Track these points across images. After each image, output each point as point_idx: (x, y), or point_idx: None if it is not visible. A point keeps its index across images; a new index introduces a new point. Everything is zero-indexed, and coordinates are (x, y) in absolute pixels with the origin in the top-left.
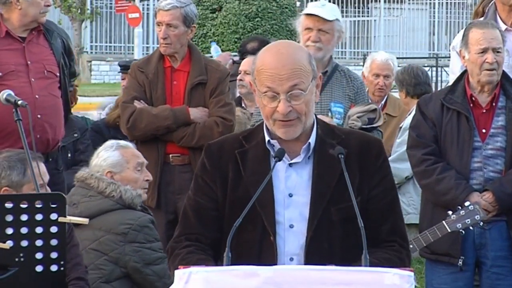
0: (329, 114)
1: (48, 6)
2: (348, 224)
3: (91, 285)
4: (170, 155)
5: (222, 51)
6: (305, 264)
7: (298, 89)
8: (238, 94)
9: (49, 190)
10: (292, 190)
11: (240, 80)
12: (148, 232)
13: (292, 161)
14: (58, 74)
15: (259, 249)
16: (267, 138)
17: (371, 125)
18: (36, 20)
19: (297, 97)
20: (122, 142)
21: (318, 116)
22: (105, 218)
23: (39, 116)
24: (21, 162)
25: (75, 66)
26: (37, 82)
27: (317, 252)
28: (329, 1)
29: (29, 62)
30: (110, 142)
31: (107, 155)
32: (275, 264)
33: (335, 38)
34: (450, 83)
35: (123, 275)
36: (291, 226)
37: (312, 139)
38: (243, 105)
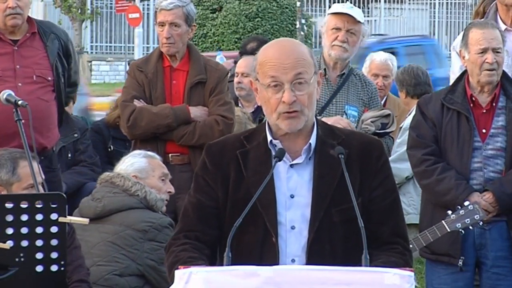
0: (344, 116)
1: (12, 8)
2: (349, 225)
3: (104, 276)
4: (170, 155)
5: (222, 51)
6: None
7: (302, 78)
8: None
9: (41, 190)
10: (294, 191)
11: (239, 82)
12: (168, 233)
13: (293, 162)
14: (50, 78)
15: (261, 250)
16: (269, 138)
17: (384, 130)
18: (5, 23)
19: (301, 86)
20: (150, 152)
21: (337, 118)
22: (128, 214)
23: (23, 121)
24: (11, 161)
25: (74, 74)
26: (24, 86)
27: (319, 253)
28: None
29: (17, 67)
30: (137, 151)
31: (134, 160)
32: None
33: (359, 42)
34: (451, 83)
35: (137, 272)
36: (293, 228)
37: (312, 140)
38: (239, 105)
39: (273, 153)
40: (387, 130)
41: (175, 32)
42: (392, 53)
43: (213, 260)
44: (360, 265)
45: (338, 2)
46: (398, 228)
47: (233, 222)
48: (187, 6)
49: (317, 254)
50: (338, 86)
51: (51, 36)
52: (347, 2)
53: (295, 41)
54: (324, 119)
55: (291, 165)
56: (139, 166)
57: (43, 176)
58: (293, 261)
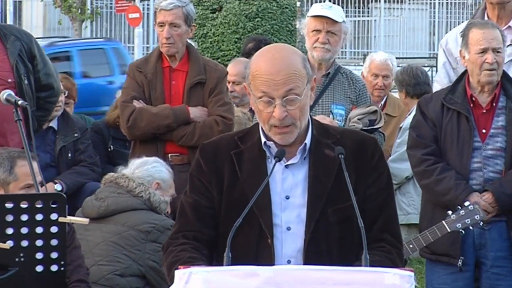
0: (331, 116)
1: None
2: (345, 225)
3: (105, 276)
4: (169, 155)
5: (222, 51)
6: None
7: (294, 93)
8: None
9: (40, 190)
10: (289, 192)
11: (231, 91)
12: None
13: (288, 163)
14: (10, 80)
15: (256, 251)
16: (263, 139)
17: (372, 127)
18: None
19: (293, 102)
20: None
21: (320, 117)
22: (131, 215)
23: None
24: (8, 160)
25: (46, 76)
26: None
27: (315, 254)
28: (329, 1)
29: None
30: (164, 162)
31: (163, 169)
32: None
33: (341, 40)
34: (435, 79)
35: (138, 273)
36: (289, 229)
37: (308, 140)
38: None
39: (268, 154)
40: (375, 127)
41: (175, 32)
42: (67, 57)
43: (211, 260)
44: (358, 265)
45: (337, 3)
46: (388, 224)
47: (229, 223)
48: (187, 6)
49: (313, 254)
50: (324, 86)
51: (11, 38)
52: (326, 1)
53: (288, 49)
54: None
55: (286, 166)
56: (165, 177)
57: (42, 176)
58: (289, 262)
